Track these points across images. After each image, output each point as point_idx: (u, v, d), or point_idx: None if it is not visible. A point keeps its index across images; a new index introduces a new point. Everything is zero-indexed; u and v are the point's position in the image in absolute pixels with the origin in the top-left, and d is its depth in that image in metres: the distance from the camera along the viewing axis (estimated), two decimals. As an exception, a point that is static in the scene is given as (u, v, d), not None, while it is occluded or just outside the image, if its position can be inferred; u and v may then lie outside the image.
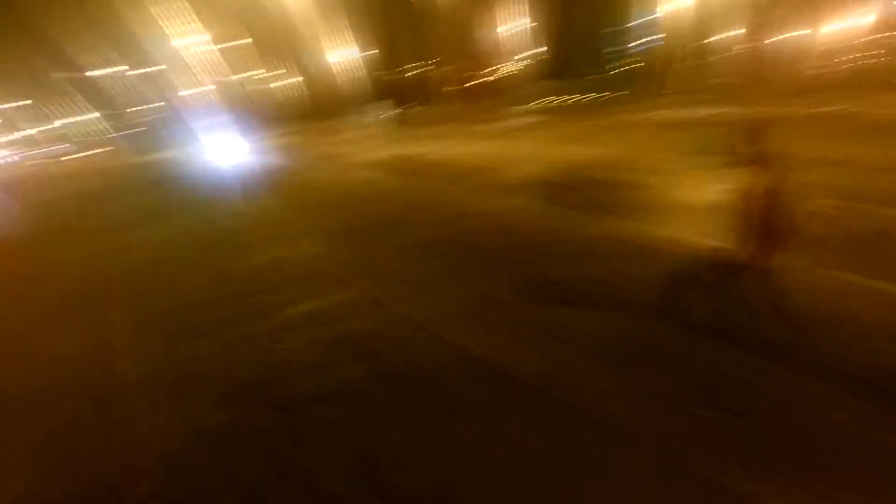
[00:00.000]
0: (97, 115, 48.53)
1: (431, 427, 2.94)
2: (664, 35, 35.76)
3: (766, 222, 2.94)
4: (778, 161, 2.94)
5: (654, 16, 38.23)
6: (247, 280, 5.89)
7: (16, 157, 46.66)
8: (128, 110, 47.28)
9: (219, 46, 41.28)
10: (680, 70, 33.44)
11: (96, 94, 46.44)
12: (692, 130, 12.29)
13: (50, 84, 43.36)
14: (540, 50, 40.61)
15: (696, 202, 6.61)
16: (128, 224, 10.44)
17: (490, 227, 6.74)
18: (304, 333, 4.29)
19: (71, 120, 47.89)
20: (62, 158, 44.42)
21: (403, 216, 7.94)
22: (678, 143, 10.75)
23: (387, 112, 27.68)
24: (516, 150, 14.23)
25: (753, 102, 16.42)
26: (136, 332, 4.90)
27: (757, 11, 30.19)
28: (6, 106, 44.47)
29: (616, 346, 3.51)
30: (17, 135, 47.47)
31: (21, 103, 44.64)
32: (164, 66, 46.42)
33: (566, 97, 33.74)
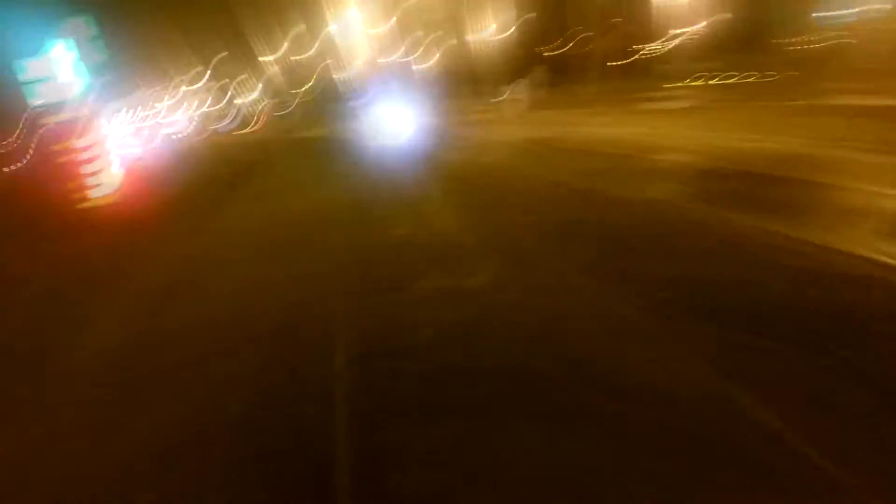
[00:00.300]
0: (261, 95, 55.14)
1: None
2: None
3: None
4: None
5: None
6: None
7: (188, 131, 54.26)
8: (291, 91, 52.66)
9: (369, 31, 43.80)
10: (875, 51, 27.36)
11: (262, 75, 52.58)
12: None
13: (220, 64, 49.96)
14: (721, 17, 35.97)
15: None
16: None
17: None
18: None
19: (239, 100, 54.85)
20: (233, 132, 51.37)
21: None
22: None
23: (533, 90, 27.02)
24: (674, 134, 12.85)
25: None
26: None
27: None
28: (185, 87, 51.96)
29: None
30: (188, 111, 55.46)
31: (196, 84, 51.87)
32: (315, 50, 50.75)
33: (743, 74, 29.47)
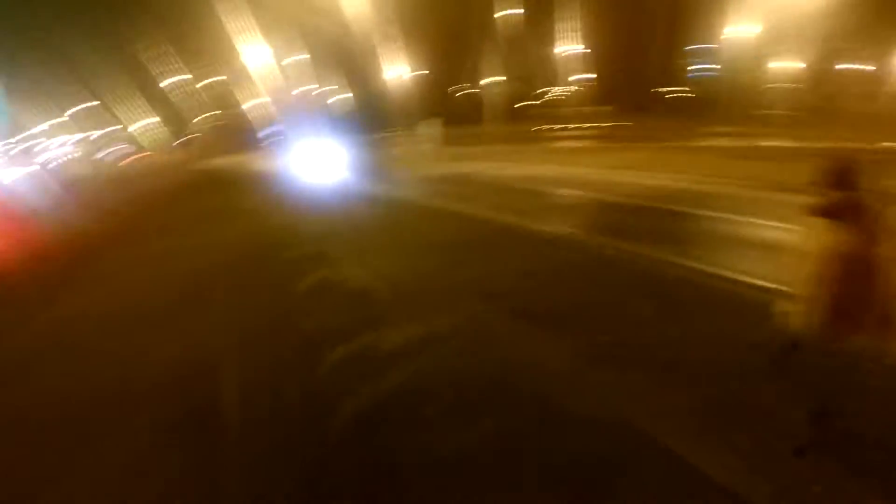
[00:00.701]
0: (158, 120, 51.41)
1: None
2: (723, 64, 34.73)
3: (855, 291, 2.29)
4: (873, 209, 2.28)
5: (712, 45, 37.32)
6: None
7: (76, 156, 49.06)
8: (192, 119, 49.77)
9: (282, 62, 42.84)
10: (740, 99, 32.25)
11: (160, 101, 49.24)
12: (764, 162, 11.53)
13: (116, 88, 46.08)
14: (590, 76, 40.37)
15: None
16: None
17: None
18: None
19: (136, 124, 50.70)
20: (126, 159, 47.09)
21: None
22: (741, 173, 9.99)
23: (439, 129, 27.78)
24: (572, 172, 13.79)
25: (826, 134, 15.42)
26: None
27: (822, 42, 29.02)
28: (74, 109, 47.22)
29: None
30: (79, 135, 50.31)
31: (87, 105, 47.31)
32: (224, 77, 48.81)
33: (616, 122, 33.16)
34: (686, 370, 3.17)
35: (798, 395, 2.68)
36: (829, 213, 2.29)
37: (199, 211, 13.63)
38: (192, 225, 11.37)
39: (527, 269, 5.53)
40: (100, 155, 50.00)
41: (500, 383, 3.18)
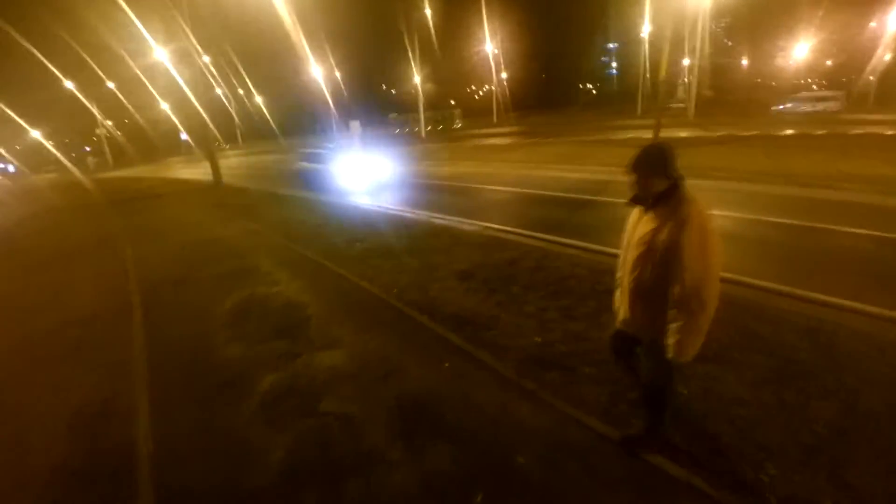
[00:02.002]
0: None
1: None
2: (630, 61, 37.18)
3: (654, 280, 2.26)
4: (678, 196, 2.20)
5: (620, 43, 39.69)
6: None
7: None
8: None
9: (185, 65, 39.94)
10: (647, 93, 34.72)
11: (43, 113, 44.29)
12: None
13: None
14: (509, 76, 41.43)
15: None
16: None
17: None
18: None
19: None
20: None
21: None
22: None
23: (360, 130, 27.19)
24: (501, 169, 14.11)
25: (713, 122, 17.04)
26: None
27: (717, 40, 31.99)
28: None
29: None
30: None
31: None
32: (112, 84, 44.84)
33: (537, 118, 34.62)
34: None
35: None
36: (637, 199, 2.29)
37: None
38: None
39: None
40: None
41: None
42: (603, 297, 4.47)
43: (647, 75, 35.91)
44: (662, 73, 18.38)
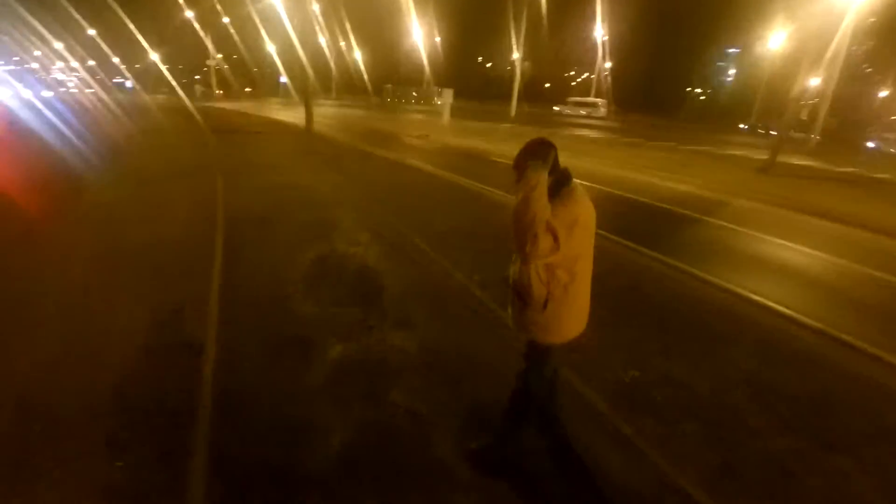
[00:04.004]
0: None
1: None
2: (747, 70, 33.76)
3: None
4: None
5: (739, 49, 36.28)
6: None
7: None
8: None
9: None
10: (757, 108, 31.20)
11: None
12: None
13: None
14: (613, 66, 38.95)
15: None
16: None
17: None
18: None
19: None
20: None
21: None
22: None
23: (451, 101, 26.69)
24: (584, 166, 13.20)
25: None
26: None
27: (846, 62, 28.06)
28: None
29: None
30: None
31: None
32: (227, 19, 46.87)
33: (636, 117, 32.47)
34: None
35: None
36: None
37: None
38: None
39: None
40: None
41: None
42: (715, 341, 3.89)
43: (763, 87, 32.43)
44: (795, 91, 16.28)
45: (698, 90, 72.55)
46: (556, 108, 51.11)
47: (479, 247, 5.64)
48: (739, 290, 4.84)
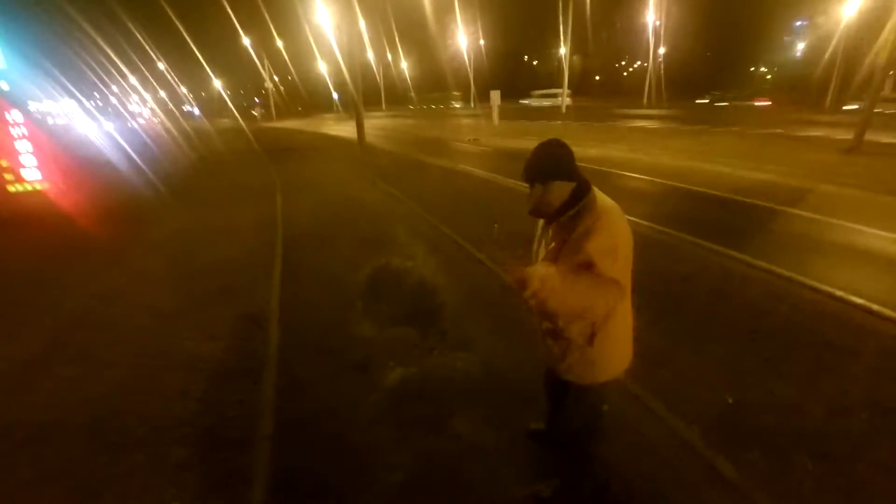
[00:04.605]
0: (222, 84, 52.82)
1: None
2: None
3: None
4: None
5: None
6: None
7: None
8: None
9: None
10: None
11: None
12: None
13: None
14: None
15: None
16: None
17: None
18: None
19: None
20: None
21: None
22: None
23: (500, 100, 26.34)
24: (640, 158, 12.41)
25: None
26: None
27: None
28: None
29: None
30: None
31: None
32: (281, 43, 49.08)
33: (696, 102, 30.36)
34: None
35: None
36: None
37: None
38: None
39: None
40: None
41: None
42: (822, 351, 3.38)
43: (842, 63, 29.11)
44: (885, 55, 14.23)
45: (763, 69, 67.16)
46: (522, 101, 50.60)
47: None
48: (846, 295, 4.19)
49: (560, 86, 36.97)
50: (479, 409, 2.83)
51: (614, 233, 1.55)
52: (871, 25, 24.04)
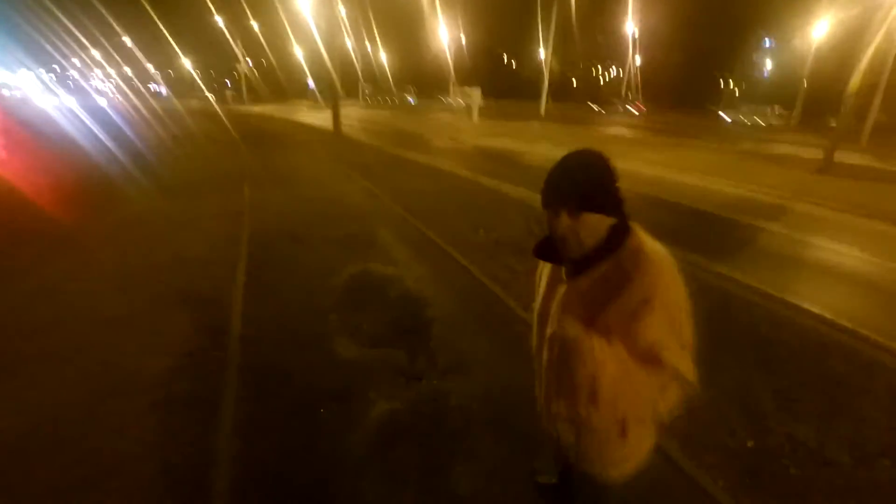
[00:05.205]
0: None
1: None
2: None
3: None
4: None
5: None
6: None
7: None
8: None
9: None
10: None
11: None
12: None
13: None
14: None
15: None
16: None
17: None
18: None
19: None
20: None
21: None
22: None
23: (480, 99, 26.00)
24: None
25: None
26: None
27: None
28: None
29: None
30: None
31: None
32: (256, 24, 47.48)
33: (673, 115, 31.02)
34: None
35: None
36: (546, 252, 1.31)
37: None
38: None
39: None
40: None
41: None
42: (838, 389, 3.16)
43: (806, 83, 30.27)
44: (853, 86, 14.59)
45: (731, 85, 69.04)
46: (442, 98, 48.66)
47: (532, 264, 5.00)
48: (851, 325, 4.02)
49: (537, 89, 36.98)
50: (479, 457, 2.44)
51: (680, 302, 1.15)
52: (837, 49, 24.96)
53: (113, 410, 2.73)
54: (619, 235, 1.18)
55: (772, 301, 4.49)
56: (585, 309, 1.19)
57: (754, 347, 3.61)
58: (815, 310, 4.28)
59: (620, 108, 42.87)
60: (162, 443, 2.49)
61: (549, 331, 1.34)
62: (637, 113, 38.04)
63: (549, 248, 1.27)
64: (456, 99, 33.08)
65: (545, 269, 1.44)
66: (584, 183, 1.15)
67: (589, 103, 47.60)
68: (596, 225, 1.15)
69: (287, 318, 3.87)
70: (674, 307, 1.14)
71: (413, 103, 41.97)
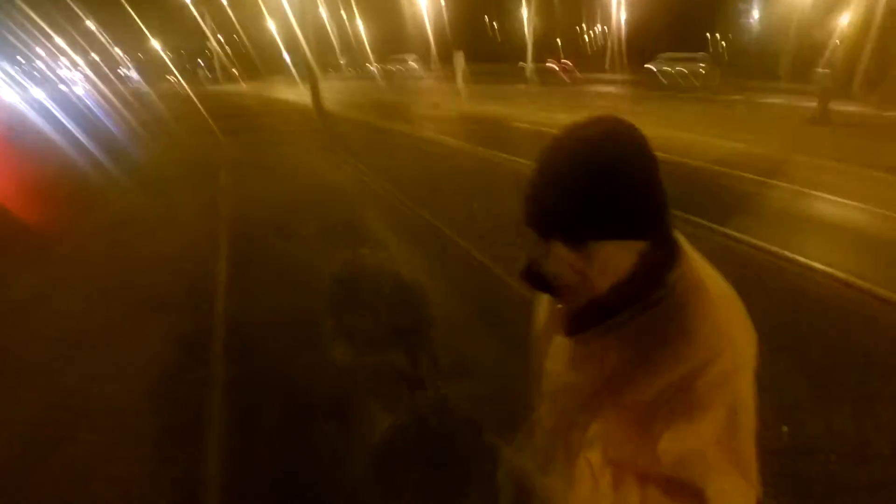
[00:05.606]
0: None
1: None
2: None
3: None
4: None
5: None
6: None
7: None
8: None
9: None
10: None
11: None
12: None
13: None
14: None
15: None
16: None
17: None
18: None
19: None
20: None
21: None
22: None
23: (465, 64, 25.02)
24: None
25: None
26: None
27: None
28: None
29: None
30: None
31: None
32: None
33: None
34: None
35: None
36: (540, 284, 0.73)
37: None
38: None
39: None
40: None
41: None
42: (872, 369, 2.95)
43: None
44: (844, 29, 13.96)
45: (718, 36, 67.22)
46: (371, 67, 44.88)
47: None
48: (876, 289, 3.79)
49: (520, 50, 35.82)
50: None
51: (747, 389, 0.65)
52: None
53: (76, 452, 2.44)
54: (655, 271, 0.67)
55: (790, 263, 4.23)
56: (594, 394, 0.71)
57: (778, 326, 3.36)
58: (840, 274, 4.01)
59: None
60: (138, 479, 2.23)
61: (560, 399, 0.83)
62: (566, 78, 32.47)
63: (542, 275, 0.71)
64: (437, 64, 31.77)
65: (544, 306, 0.91)
66: (595, 192, 0.61)
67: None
68: (614, 258, 0.66)
69: (274, 323, 3.57)
70: (736, 397, 0.64)
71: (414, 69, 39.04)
